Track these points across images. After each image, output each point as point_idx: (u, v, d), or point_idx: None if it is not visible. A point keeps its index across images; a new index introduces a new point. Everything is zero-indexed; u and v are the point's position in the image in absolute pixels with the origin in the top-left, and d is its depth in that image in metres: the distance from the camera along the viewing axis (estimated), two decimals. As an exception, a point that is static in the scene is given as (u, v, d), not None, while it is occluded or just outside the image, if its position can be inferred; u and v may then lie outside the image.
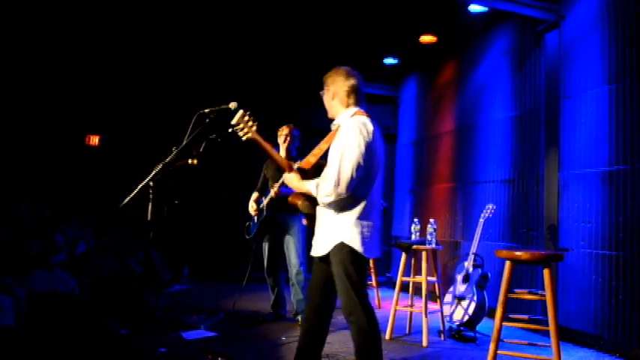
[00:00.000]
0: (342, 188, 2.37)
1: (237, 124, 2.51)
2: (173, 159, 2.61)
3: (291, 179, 2.57)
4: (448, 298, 4.34)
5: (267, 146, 2.60)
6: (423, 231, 4.53)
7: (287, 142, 4.42)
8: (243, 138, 2.53)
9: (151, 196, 2.53)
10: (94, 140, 6.87)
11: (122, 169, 6.28)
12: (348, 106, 2.59)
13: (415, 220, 4.48)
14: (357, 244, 2.43)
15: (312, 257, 2.64)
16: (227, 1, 5.11)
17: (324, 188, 2.41)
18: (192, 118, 3.06)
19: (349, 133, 2.43)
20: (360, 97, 2.62)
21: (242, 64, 6.70)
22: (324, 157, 2.66)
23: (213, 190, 7.26)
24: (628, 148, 3.72)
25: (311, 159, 2.64)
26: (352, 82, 2.59)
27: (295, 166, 2.66)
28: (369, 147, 2.43)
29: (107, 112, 6.76)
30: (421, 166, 6.79)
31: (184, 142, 2.67)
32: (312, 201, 2.60)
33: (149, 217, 2.52)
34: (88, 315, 3.89)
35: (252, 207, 4.58)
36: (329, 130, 2.66)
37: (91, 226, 5.69)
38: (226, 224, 7.31)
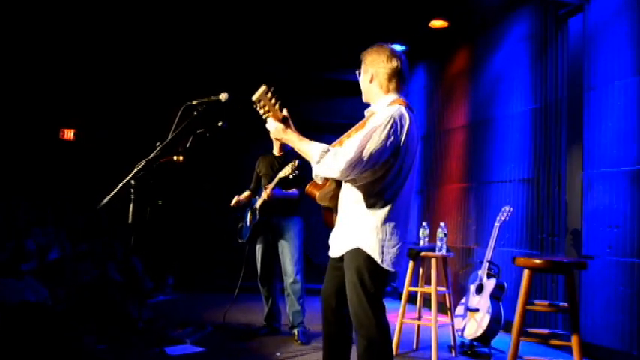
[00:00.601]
0: (341, 165, 2.25)
1: (258, 100, 2.37)
2: (157, 155, 2.58)
3: (284, 134, 2.42)
4: (460, 310, 4.34)
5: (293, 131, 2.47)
6: (432, 236, 4.52)
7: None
8: (264, 117, 2.41)
9: (132, 196, 2.51)
10: (69, 134, 6.86)
11: (100, 166, 6.26)
12: (388, 91, 2.49)
13: (424, 223, 4.48)
14: (376, 253, 2.35)
15: (327, 259, 2.59)
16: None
17: (327, 157, 2.30)
18: (178, 111, 3.05)
19: (381, 122, 2.31)
20: (403, 83, 2.51)
21: (236, 63, 6.71)
22: None
23: (201, 189, 7.25)
24: (659, 145, 3.72)
25: (338, 146, 2.48)
26: (395, 64, 2.47)
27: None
28: (403, 144, 2.35)
29: (83, 104, 6.75)
30: (430, 164, 6.79)
31: (169, 137, 2.65)
32: (332, 193, 2.55)
33: (130, 220, 2.50)
34: (62, 327, 3.87)
35: (235, 200, 4.60)
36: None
37: (66, 230, 5.67)
38: (215, 228, 7.31)
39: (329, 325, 2.58)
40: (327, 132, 6.16)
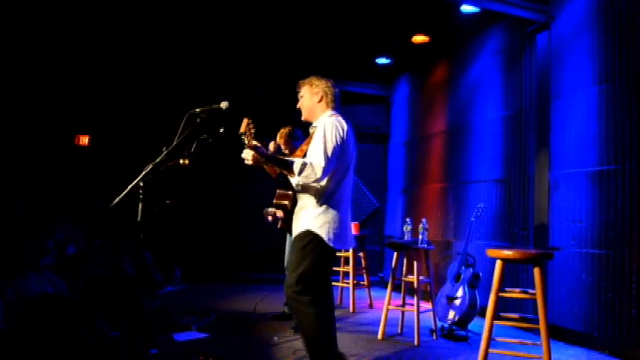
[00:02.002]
0: (319, 173, 2.64)
1: (244, 132, 2.80)
2: (164, 159, 2.60)
3: (261, 158, 2.73)
4: (440, 297, 4.37)
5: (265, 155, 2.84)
6: (415, 231, 4.56)
7: (288, 143, 4.38)
8: (247, 143, 2.77)
9: (141, 196, 2.52)
10: (84, 140, 6.84)
11: (112, 169, 6.25)
12: (330, 109, 2.93)
13: (407, 220, 4.51)
14: (323, 234, 2.73)
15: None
16: (221, 4, 5.11)
17: (307, 169, 2.65)
18: (183, 118, 3.06)
19: (327, 127, 2.73)
20: (339, 104, 2.98)
21: (237, 64, 6.70)
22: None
23: (205, 189, 7.26)
24: (619, 148, 3.77)
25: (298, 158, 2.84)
26: (336, 90, 2.97)
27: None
28: (344, 142, 2.75)
29: (97, 112, 6.73)
30: (413, 166, 6.82)
31: (175, 142, 2.67)
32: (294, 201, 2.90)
33: (139, 218, 2.51)
34: (78, 317, 3.87)
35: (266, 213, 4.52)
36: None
37: (81, 227, 5.66)
38: (218, 224, 7.32)
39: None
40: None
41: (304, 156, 2.86)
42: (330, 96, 2.94)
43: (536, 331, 3.17)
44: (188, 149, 3.14)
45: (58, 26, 5.56)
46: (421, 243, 4.18)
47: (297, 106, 3.01)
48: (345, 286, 5.63)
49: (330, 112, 2.92)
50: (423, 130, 6.64)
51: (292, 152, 4.44)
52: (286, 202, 2.97)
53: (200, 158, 3.47)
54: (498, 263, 3.23)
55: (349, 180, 2.87)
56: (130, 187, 2.46)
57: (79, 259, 5.18)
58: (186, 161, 3.11)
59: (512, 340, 3.41)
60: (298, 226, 2.84)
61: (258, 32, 5.79)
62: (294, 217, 2.91)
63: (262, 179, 5.28)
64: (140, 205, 2.49)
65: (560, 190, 4.25)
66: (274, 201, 3.00)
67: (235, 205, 7.37)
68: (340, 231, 2.78)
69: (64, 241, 5.31)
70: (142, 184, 2.52)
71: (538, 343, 3.13)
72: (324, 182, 2.75)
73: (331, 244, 2.75)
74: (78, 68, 6.37)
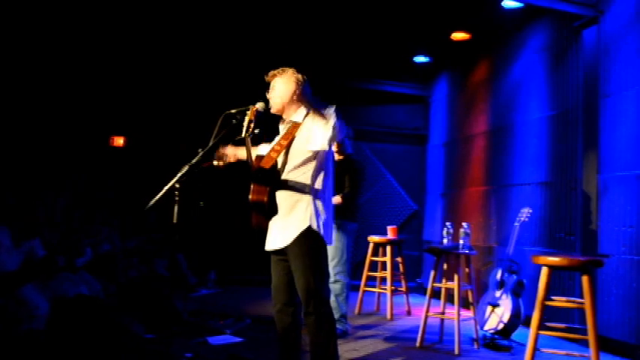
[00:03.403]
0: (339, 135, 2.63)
1: (252, 120, 2.72)
2: (199, 160, 2.67)
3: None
4: (482, 305, 4.32)
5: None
6: (455, 235, 4.51)
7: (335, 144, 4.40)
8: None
9: (176, 198, 2.59)
10: (119, 141, 7.06)
11: (147, 170, 6.43)
12: (305, 107, 2.82)
13: (447, 224, 4.47)
14: (321, 230, 2.71)
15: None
16: (256, 4, 5.20)
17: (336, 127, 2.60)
18: (218, 119, 3.13)
19: (329, 114, 2.63)
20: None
21: (274, 65, 6.78)
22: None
23: (239, 191, 7.37)
24: (673, 149, 3.65)
25: (273, 154, 2.78)
26: (309, 88, 2.88)
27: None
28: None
29: (132, 114, 6.94)
30: (453, 168, 6.76)
31: (210, 144, 2.73)
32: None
33: (175, 220, 2.58)
34: (114, 319, 4.00)
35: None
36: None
37: (117, 229, 5.84)
38: (252, 227, 7.42)
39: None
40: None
41: (287, 152, 2.78)
42: (306, 93, 2.86)
43: (584, 343, 3.10)
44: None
45: (95, 30, 5.77)
46: (462, 248, 4.14)
47: (268, 96, 2.87)
48: (382, 292, 5.62)
49: (304, 109, 2.82)
50: (463, 130, 6.57)
51: (343, 153, 4.43)
52: (265, 198, 2.78)
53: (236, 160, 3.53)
54: (544, 270, 3.18)
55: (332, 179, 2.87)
56: (166, 188, 2.53)
57: (114, 259, 5.35)
58: (221, 163, 3.18)
59: (559, 352, 3.35)
60: (294, 226, 2.72)
61: (293, 32, 5.86)
62: (279, 216, 2.79)
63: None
64: (176, 206, 2.55)
65: (610, 194, 4.14)
66: (251, 196, 2.80)
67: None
68: (329, 228, 2.79)
69: (99, 241, 5.50)
70: (177, 185, 2.59)
71: (586, 355, 3.07)
72: (319, 177, 2.74)
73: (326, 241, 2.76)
74: (111, 70, 6.58)
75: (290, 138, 2.77)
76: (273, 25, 5.71)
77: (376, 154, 7.44)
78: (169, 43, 6.18)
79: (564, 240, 4.59)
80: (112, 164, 6.81)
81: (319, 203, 2.73)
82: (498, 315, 4.12)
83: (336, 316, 4.26)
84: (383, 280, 5.64)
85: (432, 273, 4.19)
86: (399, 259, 5.64)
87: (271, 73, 2.89)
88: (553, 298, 3.55)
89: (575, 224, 4.48)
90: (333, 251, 4.29)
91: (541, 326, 3.18)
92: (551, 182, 4.84)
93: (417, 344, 4.07)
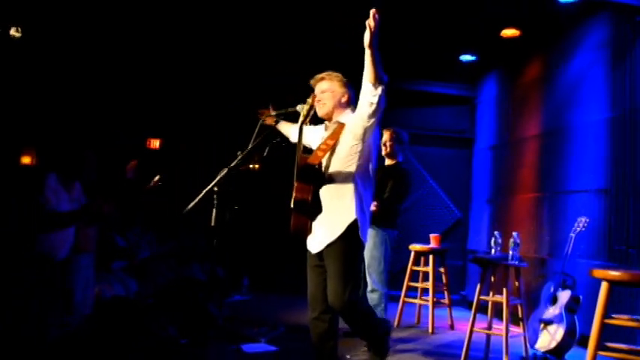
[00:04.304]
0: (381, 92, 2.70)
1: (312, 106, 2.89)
2: (238, 163, 2.68)
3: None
4: (533, 321, 4.17)
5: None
6: (504, 245, 4.38)
7: (389, 146, 4.45)
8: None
9: (215, 201, 2.61)
10: (155, 144, 7.20)
11: (183, 173, 6.53)
12: (351, 109, 2.96)
13: (495, 233, 4.34)
14: (361, 230, 2.82)
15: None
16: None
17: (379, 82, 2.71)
18: (256, 121, 3.13)
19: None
20: None
21: (313, 67, 6.80)
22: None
23: (276, 196, 7.39)
24: None
25: (319, 153, 2.87)
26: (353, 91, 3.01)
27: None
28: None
29: (169, 116, 7.08)
30: (501, 173, 6.58)
31: (250, 146, 2.75)
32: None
33: (213, 223, 2.60)
34: (149, 322, 4.06)
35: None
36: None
37: (154, 231, 5.93)
38: (289, 232, 7.43)
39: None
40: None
41: (332, 152, 2.87)
42: (352, 97, 3.01)
43: (649, 366, 2.94)
44: (260, 154, 3.22)
45: (131, 37, 5.93)
46: (512, 259, 4.00)
47: (317, 99, 2.94)
48: (423, 303, 5.51)
49: (350, 112, 2.97)
50: (513, 133, 6.39)
51: (393, 156, 4.42)
52: (309, 197, 2.84)
53: (272, 163, 3.54)
54: (604, 285, 3.04)
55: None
56: (204, 191, 2.55)
57: (150, 262, 5.44)
58: (257, 166, 3.19)
59: (620, 375, 3.19)
60: (339, 221, 2.83)
61: (335, 29, 5.82)
62: (323, 214, 2.87)
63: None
64: (214, 210, 2.58)
65: (679, 204, 3.93)
66: (295, 194, 2.84)
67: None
68: (365, 227, 2.89)
69: (136, 244, 5.60)
70: (216, 189, 2.60)
71: (651, 379, 2.90)
72: (362, 176, 2.86)
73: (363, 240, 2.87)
74: (151, 73, 6.73)
75: (336, 138, 2.85)
76: (304, 26, 5.72)
77: (419, 159, 7.32)
78: (210, 45, 6.28)
79: (624, 253, 4.38)
80: (150, 165, 6.95)
81: (361, 200, 2.85)
82: (551, 333, 3.96)
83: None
84: (424, 291, 5.52)
85: (479, 285, 4.07)
86: (441, 270, 5.52)
87: (318, 76, 2.98)
88: (613, 316, 3.38)
89: (636, 236, 4.28)
90: (371, 259, 4.23)
91: (600, 346, 3.03)
92: (611, 189, 4.64)
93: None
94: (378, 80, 2.66)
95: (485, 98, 7.16)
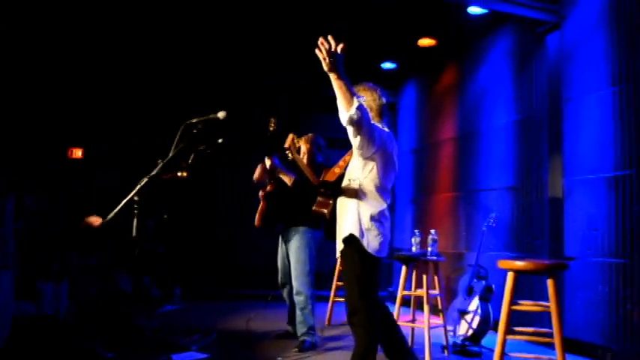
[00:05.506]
0: (354, 114, 2.66)
1: (288, 147, 3.40)
2: (159, 172, 2.66)
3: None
4: (452, 312, 4.38)
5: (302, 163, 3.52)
6: (424, 242, 4.58)
7: (311, 149, 4.45)
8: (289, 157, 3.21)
9: (136, 211, 2.57)
10: (77, 153, 6.93)
11: (106, 182, 6.33)
12: (374, 122, 2.93)
13: (416, 231, 4.53)
14: (364, 241, 2.82)
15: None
16: (215, 9, 5.20)
17: (361, 110, 2.69)
18: (178, 129, 3.12)
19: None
20: (385, 114, 3.07)
21: (234, 73, 6.80)
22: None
23: (205, 202, 7.32)
24: (634, 152, 3.79)
25: (336, 170, 3.07)
26: (383, 100, 3.05)
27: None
28: (386, 146, 2.90)
29: (90, 125, 6.84)
30: (422, 174, 6.86)
31: (170, 154, 2.73)
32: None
33: (134, 233, 2.56)
34: (73, 338, 3.91)
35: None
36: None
37: (73, 243, 5.70)
38: (219, 239, 7.37)
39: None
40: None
41: (347, 168, 3.03)
42: (374, 109, 2.98)
43: (553, 346, 3.18)
44: (186, 161, 3.21)
45: (50, 39, 5.68)
46: (430, 255, 4.20)
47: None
48: (352, 301, 5.63)
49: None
50: (431, 136, 6.68)
51: (311, 163, 4.47)
52: (325, 211, 3.04)
53: (199, 170, 3.53)
54: (510, 275, 3.26)
55: (390, 190, 3.03)
56: (124, 201, 2.51)
57: (69, 276, 5.22)
58: (184, 173, 3.17)
59: (527, 355, 3.43)
60: (342, 233, 2.91)
61: (254, 37, 5.88)
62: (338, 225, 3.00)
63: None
64: (135, 220, 2.54)
65: (575, 197, 4.27)
66: (314, 207, 3.07)
67: (235, 220, 7.41)
68: (384, 239, 2.91)
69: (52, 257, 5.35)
70: (136, 198, 2.57)
71: (554, 357, 3.14)
72: (369, 188, 2.88)
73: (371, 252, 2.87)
74: (70, 80, 6.48)
75: (352, 154, 2.98)
76: (233, 31, 5.72)
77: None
78: (127, 51, 6.12)
79: (532, 244, 4.70)
80: (71, 175, 6.69)
81: (365, 213, 2.85)
82: (468, 321, 4.19)
83: (304, 329, 4.24)
84: (353, 289, 5.64)
85: (401, 281, 4.23)
86: (369, 268, 5.66)
87: None
88: (519, 302, 3.63)
89: (541, 228, 4.60)
90: (296, 262, 4.27)
91: (509, 331, 3.24)
92: (518, 187, 4.96)
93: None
94: (347, 102, 2.69)
95: (406, 104, 7.44)
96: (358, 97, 2.70)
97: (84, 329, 4.23)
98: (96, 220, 3.73)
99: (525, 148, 4.92)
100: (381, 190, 2.90)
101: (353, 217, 2.85)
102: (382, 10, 5.20)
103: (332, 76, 2.65)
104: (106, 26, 5.52)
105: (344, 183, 2.97)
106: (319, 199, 3.07)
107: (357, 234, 2.82)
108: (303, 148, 4.36)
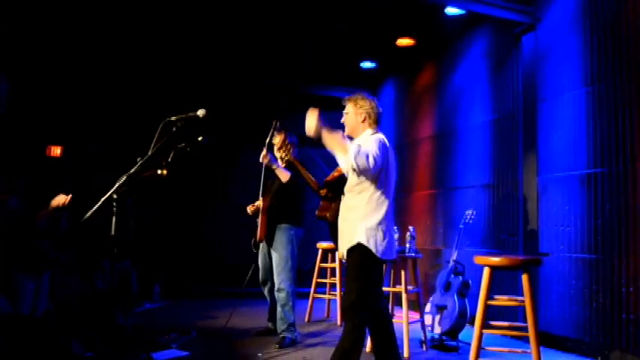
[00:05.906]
0: (371, 162, 2.81)
1: (280, 147, 3.52)
2: (138, 170, 2.64)
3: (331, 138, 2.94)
4: (429, 307, 4.43)
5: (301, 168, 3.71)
6: (402, 239, 4.62)
7: (286, 149, 4.43)
8: (285, 158, 3.42)
9: (114, 209, 2.55)
10: (56, 151, 6.81)
11: (85, 180, 6.24)
12: (372, 128, 3.13)
13: (394, 228, 4.55)
14: (372, 246, 2.90)
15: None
16: (195, 9, 5.17)
17: (361, 155, 2.81)
18: (158, 127, 3.10)
19: (373, 141, 2.95)
20: (380, 122, 3.20)
21: (214, 71, 6.76)
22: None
23: (186, 200, 7.26)
24: (606, 151, 3.88)
25: (335, 173, 3.27)
26: (380, 110, 3.18)
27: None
28: (387, 156, 2.98)
29: (70, 123, 6.73)
30: (401, 172, 6.86)
31: (150, 152, 2.71)
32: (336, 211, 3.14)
33: (113, 232, 2.54)
34: (51, 338, 3.86)
35: (249, 208, 4.57)
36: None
37: (50, 242, 5.62)
38: (199, 237, 7.32)
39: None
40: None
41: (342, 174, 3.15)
42: (373, 117, 3.13)
43: (528, 339, 3.24)
44: (165, 159, 3.19)
45: (30, 37, 5.58)
46: (409, 252, 4.24)
47: (342, 120, 3.19)
48: (332, 298, 5.67)
49: (370, 131, 3.12)
50: (409, 135, 6.74)
51: (292, 157, 4.46)
52: (327, 214, 3.16)
53: (179, 168, 3.51)
54: (486, 270, 3.32)
55: (392, 194, 3.09)
56: (102, 199, 2.49)
57: (51, 274, 5.14)
58: (164, 171, 3.15)
59: (502, 349, 3.49)
60: (347, 239, 2.99)
61: (234, 37, 5.86)
62: (340, 228, 3.09)
63: (242, 192, 5.34)
64: (114, 218, 2.52)
65: (549, 195, 4.35)
66: (317, 212, 3.22)
67: (215, 218, 7.38)
68: (391, 241, 3.01)
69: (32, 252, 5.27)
70: (115, 196, 2.55)
71: (528, 351, 3.21)
72: (373, 195, 2.95)
73: (379, 256, 2.94)
74: (49, 77, 6.38)
75: None
76: (214, 30, 5.69)
77: (325, 160, 7.49)
78: (107, 50, 6.05)
79: (508, 240, 4.78)
80: (49, 174, 6.57)
81: (372, 219, 2.93)
82: (445, 316, 4.24)
83: (284, 325, 4.26)
84: (332, 286, 5.69)
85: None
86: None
87: (346, 98, 3.19)
88: (496, 297, 3.70)
89: (517, 225, 4.68)
90: (278, 259, 4.28)
91: (485, 325, 3.30)
92: (494, 184, 5.04)
93: (367, 349, 4.12)
94: (342, 151, 2.89)
95: (385, 103, 7.48)
96: (347, 139, 2.93)
97: (61, 328, 4.17)
98: (62, 198, 3.70)
99: (501, 146, 5.00)
100: (385, 194, 2.98)
101: (359, 224, 2.92)
102: (361, 10, 5.22)
103: (322, 136, 2.91)
104: (106, 26, 5.45)
105: (347, 188, 3.06)
106: (322, 203, 3.26)
107: (364, 241, 2.90)
108: (280, 155, 4.43)
